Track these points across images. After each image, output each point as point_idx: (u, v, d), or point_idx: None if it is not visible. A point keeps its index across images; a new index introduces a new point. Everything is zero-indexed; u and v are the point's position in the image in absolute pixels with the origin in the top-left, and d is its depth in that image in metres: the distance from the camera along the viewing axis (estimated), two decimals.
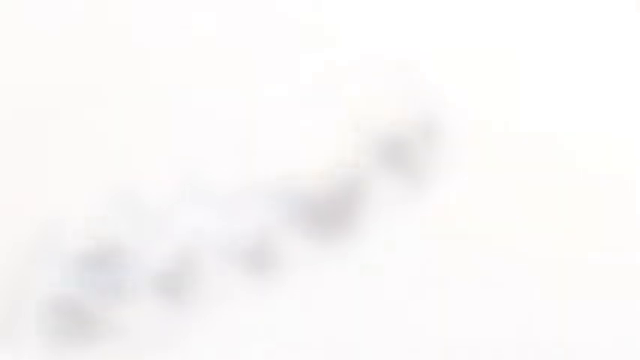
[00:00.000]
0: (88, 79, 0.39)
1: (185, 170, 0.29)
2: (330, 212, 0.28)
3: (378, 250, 0.30)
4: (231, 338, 0.34)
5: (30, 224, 0.34)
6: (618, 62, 0.38)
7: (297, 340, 0.34)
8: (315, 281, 0.32)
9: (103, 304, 0.28)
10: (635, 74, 0.38)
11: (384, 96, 0.29)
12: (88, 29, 0.39)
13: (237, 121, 0.30)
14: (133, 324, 0.28)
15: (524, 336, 0.31)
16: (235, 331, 0.33)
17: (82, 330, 0.28)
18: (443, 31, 0.37)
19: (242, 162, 0.28)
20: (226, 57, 0.38)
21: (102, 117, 0.39)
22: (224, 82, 0.37)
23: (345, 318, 0.34)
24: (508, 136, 0.35)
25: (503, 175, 0.35)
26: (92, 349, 0.28)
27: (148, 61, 0.38)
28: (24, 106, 0.38)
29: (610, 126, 0.36)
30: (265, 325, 0.34)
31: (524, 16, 0.38)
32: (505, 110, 0.34)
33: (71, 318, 0.28)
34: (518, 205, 0.35)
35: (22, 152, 0.38)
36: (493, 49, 0.35)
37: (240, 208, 0.28)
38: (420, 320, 0.32)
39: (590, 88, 0.36)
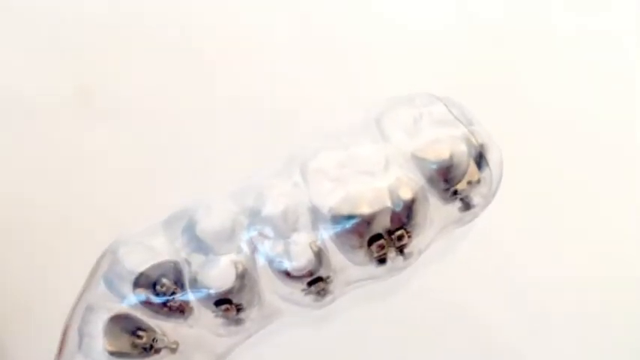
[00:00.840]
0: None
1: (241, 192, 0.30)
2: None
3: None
4: (288, 355, 0.34)
5: (93, 245, 0.34)
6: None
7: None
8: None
9: (161, 321, 0.29)
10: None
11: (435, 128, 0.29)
12: None
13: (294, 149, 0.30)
14: (190, 341, 0.29)
15: None
16: (291, 347, 0.34)
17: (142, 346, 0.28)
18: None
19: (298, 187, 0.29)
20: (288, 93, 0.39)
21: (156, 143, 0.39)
22: (285, 115, 0.38)
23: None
24: None
25: None
26: None
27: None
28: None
29: None
30: (320, 342, 0.34)
31: None
32: None
33: (131, 334, 0.28)
34: None
35: (85, 181, 0.39)
36: None
37: (295, 230, 0.28)
38: None
39: None
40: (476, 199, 0.29)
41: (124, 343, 0.28)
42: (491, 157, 0.29)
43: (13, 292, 0.38)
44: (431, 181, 0.28)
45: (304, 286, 0.28)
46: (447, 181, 0.28)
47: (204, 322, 0.29)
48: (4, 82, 0.41)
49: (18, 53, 0.42)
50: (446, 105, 0.29)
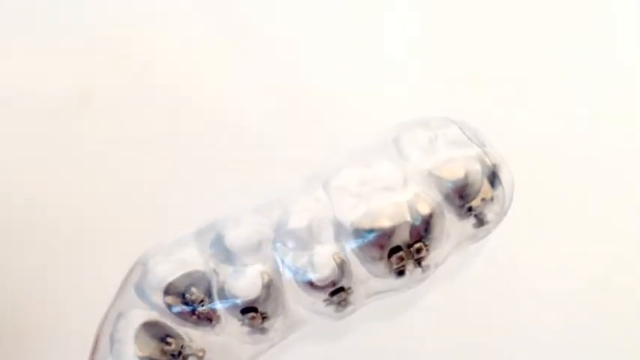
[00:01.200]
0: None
1: (267, 206, 0.31)
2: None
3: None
4: None
5: (93, 245, 0.35)
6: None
7: None
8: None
9: (190, 329, 0.29)
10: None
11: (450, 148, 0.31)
12: None
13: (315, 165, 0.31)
14: (216, 349, 0.30)
15: None
16: (312, 357, 0.35)
17: (170, 352, 0.29)
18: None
19: (321, 203, 0.30)
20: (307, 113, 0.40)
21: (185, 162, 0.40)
22: (308, 132, 0.38)
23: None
24: None
25: None
26: None
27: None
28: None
29: None
30: (341, 352, 0.35)
31: None
32: None
33: (161, 340, 0.29)
34: None
35: (85, 181, 0.39)
36: None
37: (319, 243, 0.29)
38: None
39: None
40: (489, 215, 0.31)
41: (154, 349, 0.29)
42: (504, 176, 0.30)
43: (13, 292, 0.38)
44: (447, 197, 0.30)
45: (326, 296, 0.29)
46: (462, 197, 0.30)
47: (231, 330, 0.29)
48: (4, 82, 0.41)
49: (19, 54, 0.42)
50: (460, 127, 0.31)
